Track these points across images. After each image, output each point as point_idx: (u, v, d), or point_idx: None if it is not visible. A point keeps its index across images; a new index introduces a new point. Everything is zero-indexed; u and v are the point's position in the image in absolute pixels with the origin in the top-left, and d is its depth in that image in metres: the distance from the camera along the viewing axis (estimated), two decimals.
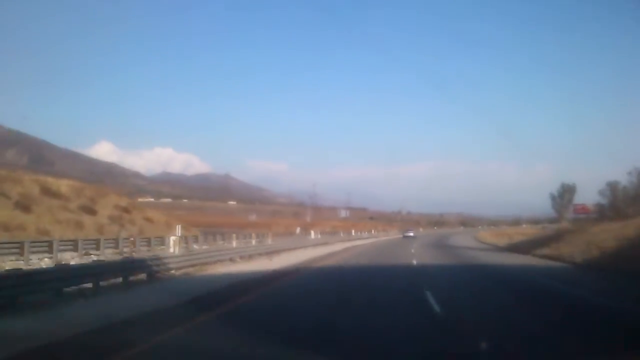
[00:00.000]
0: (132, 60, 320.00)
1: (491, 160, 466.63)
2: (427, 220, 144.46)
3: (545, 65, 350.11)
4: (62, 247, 22.91)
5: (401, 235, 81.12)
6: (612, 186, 79.06)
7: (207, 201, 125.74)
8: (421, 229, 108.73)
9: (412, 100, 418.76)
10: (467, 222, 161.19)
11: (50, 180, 36.46)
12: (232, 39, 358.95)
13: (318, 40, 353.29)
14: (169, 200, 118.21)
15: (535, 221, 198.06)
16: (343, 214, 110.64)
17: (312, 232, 58.47)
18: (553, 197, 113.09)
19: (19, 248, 20.61)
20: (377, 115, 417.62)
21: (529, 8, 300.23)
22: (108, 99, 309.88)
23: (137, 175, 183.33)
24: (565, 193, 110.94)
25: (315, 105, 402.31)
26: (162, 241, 30.32)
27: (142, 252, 26.50)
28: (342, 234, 64.04)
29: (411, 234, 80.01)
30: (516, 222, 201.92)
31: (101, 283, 12.99)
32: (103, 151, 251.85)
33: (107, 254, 24.46)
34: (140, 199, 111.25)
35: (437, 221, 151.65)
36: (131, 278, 14.66)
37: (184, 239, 29.80)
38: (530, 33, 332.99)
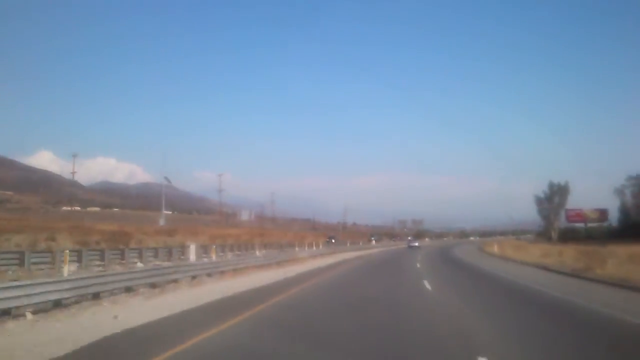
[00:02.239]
0: (79, 67, 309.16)
1: (451, 173, 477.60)
2: (377, 232, 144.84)
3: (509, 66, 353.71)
4: None
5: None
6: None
7: (140, 210, 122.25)
8: (374, 241, 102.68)
9: (364, 110, 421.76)
10: (422, 234, 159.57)
11: None
12: (183, 45, 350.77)
13: (266, 46, 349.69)
14: (97, 209, 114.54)
15: (514, 232, 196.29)
16: (245, 216, 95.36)
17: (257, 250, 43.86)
18: (539, 201, 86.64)
19: None
20: (328, 125, 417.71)
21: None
22: (50, 107, 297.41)
23: (74, 184, 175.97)
24: (555, 195, 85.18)
25: (267, 115, 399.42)
26: None
27: None
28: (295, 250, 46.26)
29: (416, 244, 76.79)
30: (486, 234, 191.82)
31: None
32: (43, 159, 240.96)
33: None
34: (64, 208, 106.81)
35: (389, 233, 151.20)
36: None
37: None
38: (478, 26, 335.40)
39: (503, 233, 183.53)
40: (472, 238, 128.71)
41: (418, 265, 30.74)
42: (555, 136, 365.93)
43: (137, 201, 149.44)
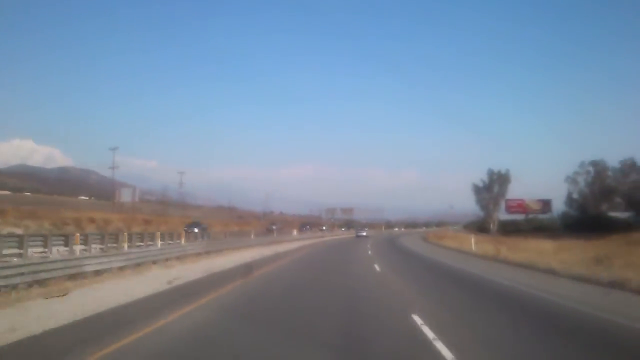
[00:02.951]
0: None
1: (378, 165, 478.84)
2: (302, 221, 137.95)
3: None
4: None
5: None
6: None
7: (58, 196, 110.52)
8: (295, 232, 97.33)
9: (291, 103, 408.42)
10: (351, 223, 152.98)
11: None
12: (101, 24, 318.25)
13: (191, 27, 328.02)
14: (7, 192, 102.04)
15: (439, 224, 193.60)
16: (127, 196, 65.36)
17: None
18: (477, 189, 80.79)
19: None
20: (253, 115, 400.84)
21: None
22: None
23: None
24: (494, 184, 79.28)
25: (194, 101, 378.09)
26: None
27: None
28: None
29: (364, 234, 76.64)
30: (413, 224, 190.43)
31: None
32: None
33: None
34: None
35: (313, 222, 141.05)
36: None
37: None
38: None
39: (427, 224, 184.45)
40: (396, 229, 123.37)
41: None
42: (499, 124, 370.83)
43: (55, 187, 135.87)
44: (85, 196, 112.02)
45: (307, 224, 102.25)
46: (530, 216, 76.41)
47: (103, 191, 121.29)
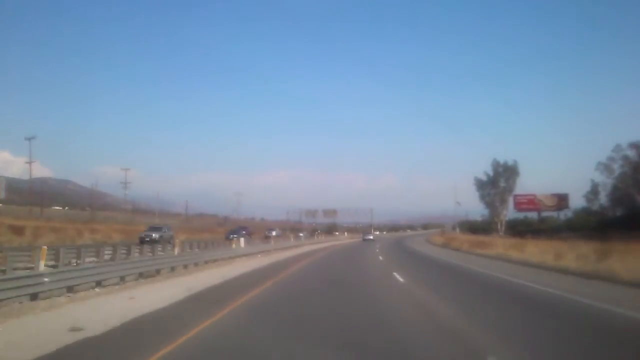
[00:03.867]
0: None
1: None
2: (283, 226, 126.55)
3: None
4: None
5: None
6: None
7: (31, 207, 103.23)
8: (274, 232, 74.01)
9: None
10: (334, 228, 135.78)
11: None
12: (79, 39, 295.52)
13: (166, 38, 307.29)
14: None
15: (426, 226, 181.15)
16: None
17: None
18: (481, 184, 70.99)
19: None
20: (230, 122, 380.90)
21: None
22: None
23: None
24: (500, 177, 69.32)
25: (171, 110, 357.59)
26: None
27: None
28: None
29: (370, 237, 75.08)
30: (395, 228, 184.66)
31: None
32: None
33: None
34: None
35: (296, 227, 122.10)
36: None
37: None
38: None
39: (411, 227, 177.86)
40: (377, 233, 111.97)
41: None
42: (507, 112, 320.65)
43: (31, 197, 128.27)
44: (59, 207, 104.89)
45: (273, 228, 73.26)
46: (545, 214, 67.85)
47: (80, 202, 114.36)
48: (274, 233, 62.09)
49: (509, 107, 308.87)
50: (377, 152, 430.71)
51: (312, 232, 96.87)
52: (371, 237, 75.13)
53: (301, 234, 75.75)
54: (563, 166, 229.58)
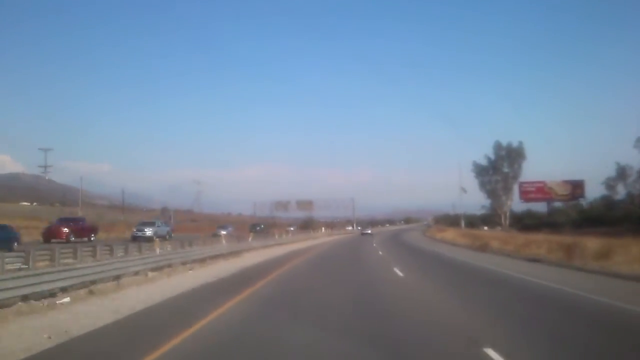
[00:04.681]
0: None
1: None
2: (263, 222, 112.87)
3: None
4: None
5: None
6: None
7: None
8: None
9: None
10: (310, 223, 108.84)
11: None
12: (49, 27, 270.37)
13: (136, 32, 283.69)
14: None
15: (407, 220, 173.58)
16: None
17: None
18: (480, 170, 62.32)
19: None
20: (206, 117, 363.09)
21: None
22: None
23: None
24: (503, 161, 60.81)
25: (145, 102, 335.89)
26: None
27: None
28: None
29: (369, 232, 74.08)
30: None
31: None
32: None
33: None
34: None
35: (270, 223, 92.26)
36: None
37: None
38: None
39: (390, 222, 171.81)
40: (349, 228, 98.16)
41: None
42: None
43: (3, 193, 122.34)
44: (29, 202, 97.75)
45: (224, 225, 56.77)
46: (558, 204, 58.44)
47: (52, 197, 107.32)
48: (223, 232, 43.62)
49: (514, 85, 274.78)
50: (355, 147, 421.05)
51: (281, 230, 58.84)
52: (369, 232, 74.05)
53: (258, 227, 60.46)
54: (576, 150, 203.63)
